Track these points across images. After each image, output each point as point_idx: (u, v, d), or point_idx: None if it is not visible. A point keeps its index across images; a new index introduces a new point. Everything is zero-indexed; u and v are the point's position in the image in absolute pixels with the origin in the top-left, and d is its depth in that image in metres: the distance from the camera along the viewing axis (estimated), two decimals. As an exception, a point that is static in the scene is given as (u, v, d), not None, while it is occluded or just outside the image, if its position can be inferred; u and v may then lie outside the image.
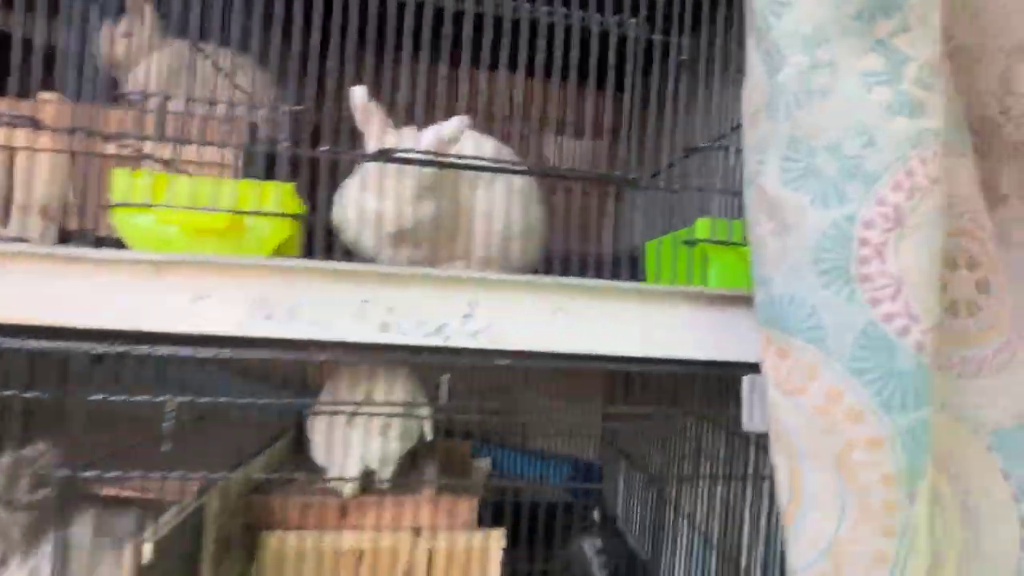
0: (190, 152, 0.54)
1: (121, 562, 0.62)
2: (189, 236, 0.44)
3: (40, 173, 0.57)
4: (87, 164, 0.44)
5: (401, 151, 0.48)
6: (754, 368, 0.50)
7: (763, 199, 0.43)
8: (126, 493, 0.78)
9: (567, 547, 1.24)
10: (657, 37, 0.54)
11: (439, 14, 0.50)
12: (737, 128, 0.53)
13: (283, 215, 0.46)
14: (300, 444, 1.01)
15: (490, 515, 0.98)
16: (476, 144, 0.59)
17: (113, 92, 0.81)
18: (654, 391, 0.97)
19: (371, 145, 0.50)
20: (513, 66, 0.51)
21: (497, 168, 0.56)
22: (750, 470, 0.62)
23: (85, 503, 0.72)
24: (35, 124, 0.44)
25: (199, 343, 0.45)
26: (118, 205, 0.43)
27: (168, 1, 0.48)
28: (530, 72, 0.53)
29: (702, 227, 0.51)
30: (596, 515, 1.29)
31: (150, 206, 0.43)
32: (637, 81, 0.57)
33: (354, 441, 0.86)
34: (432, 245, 0.55)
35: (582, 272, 0.51)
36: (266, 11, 0.48)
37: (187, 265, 0.44)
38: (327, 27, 0.47)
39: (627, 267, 0.59)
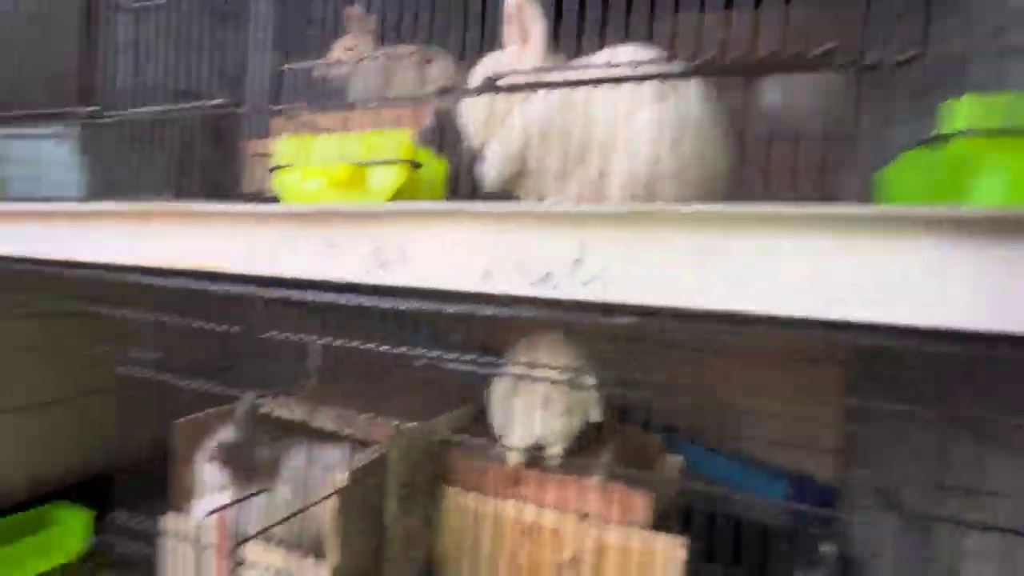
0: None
1: (327, 486, 0.72)
2: (325, 189, 0.47)
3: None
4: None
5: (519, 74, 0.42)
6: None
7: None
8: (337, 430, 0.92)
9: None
10: None
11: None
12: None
13: (397, 162, 0.45)
14: (484, 411, 1.05)
15: (678, 523, 0.85)
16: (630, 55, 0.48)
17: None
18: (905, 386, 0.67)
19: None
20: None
21: (624, 76, 0.44)
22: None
23: (301, 437, 0.88)
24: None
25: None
26: (273, 168, 0.49)
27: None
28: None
29: (964, 110, 0.30)
30: (830, 550, 1.00)
31: (290, 166, 0.47)
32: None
33: (519, 412, 0.85)
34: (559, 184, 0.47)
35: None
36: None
37: (317, 215, 0.47)
38: None
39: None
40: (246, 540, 0.53)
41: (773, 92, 0.81)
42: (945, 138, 0.31)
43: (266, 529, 0.59)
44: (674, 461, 1.05)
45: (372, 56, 0.92)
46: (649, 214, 0.37)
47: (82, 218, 0.58)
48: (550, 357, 0.83)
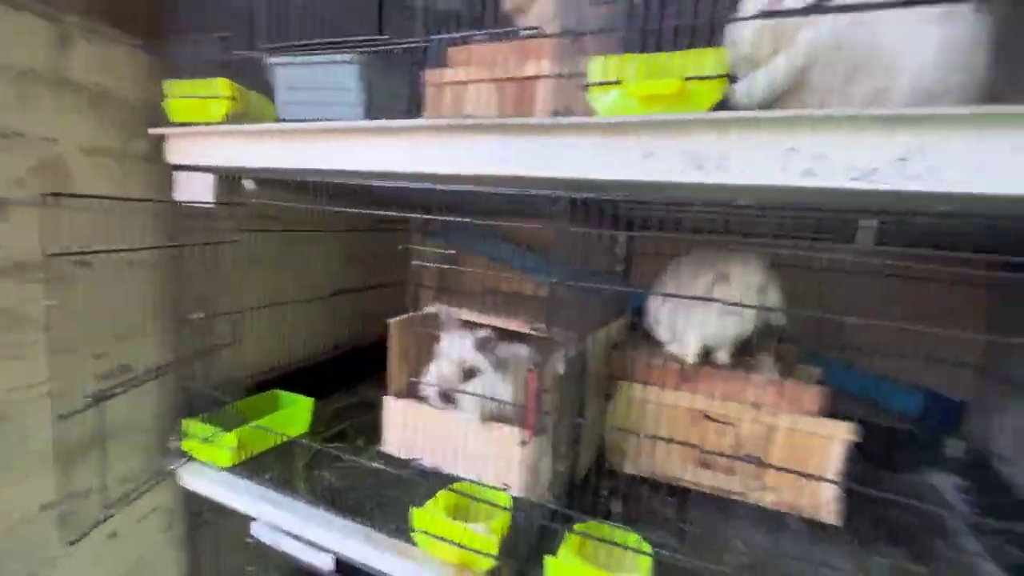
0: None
1: (545, 373, 0.85)
2: (645, 104, 0.56)
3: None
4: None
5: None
6: None
7: None
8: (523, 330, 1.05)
9: (912, 478, 1.12)
10: None
11: None
12: None
13: (718, 77, 0.53)
14: (635, 322, 1.18)
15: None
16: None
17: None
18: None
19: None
20: None
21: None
22: None
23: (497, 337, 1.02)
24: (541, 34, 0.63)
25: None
26: (591, 84, 0.58)
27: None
28: None
29: None
30: (960, 448, 1.11)
31: (616, 83, 0.56)
32: None
33: (695, 321, 0.96)
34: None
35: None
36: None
37: (639, 125, 0.56)
38: None
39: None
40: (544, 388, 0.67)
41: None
42: None
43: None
44: (813, 371, 1.17)
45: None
46: (969, 117, 0.45)
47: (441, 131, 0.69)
48: (741, 269, 0.92)
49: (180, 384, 0.98)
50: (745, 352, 1.06)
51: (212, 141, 0.84)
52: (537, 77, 0.69)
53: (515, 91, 0.70)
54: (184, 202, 0.89)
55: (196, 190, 0.89)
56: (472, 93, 0.76)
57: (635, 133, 0.56)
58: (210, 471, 0.94)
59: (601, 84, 0.58)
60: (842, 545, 0.87)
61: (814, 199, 0.53)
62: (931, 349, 1.14)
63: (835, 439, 0.89)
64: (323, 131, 0.74)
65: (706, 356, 1.02)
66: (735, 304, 0.79)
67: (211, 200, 0.87)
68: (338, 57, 0.74)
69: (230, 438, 0.92)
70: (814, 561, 0.82)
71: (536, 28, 0.66)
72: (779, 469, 0.86)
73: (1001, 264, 0.95)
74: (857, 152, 0.49)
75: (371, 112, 0.77)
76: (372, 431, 1.17)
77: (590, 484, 0.94)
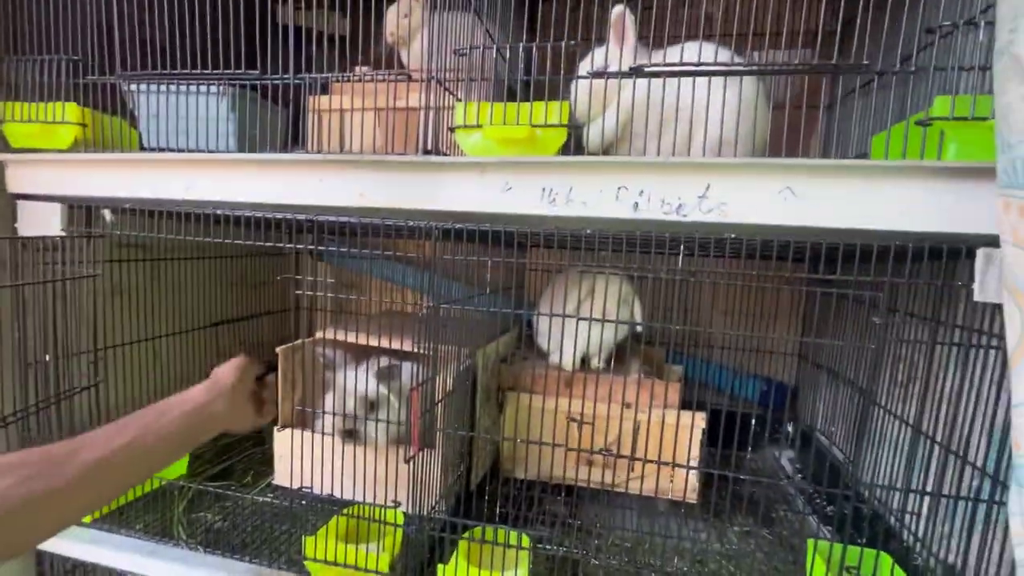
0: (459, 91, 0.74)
1: (435, 389, 0.89)
2: (502, 146, 0.64)
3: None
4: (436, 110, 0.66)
5: (654, 66, 0.60)
6: (987, 242, 0.53)
7: (1017, 66, 0.45)
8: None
9: (758, 454, 1.32)
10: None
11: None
12: (987, 9, 0.53)
13: (562, 125, 0.62)
14: (528, 333, 1.27)
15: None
16: (704, 53, 0.68)
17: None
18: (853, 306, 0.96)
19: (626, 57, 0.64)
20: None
21: (713, 72, 0.64)
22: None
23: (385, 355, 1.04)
24: (409, 77, 0.68)
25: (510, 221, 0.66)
26: (457, 127, 0.65)
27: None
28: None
29: (940, 104, 0.53)
30: (790, 428, 1.33)
31: (477, 126, 0.63)
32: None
33: (573, 334, 1.06)
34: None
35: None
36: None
37: (500, 165, 0.64)
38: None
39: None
40: (433, 406, 0.71)
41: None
42: (928, 121, 0.54)
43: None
44: (676, 369, 1.33)
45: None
46: (749, 165, 0.58)
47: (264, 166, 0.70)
48: (606, 287, 1.04)
49: (23, 436, 0.87)
50: (619, 357, 1.19)
51: (59, 170, 0.78)
52: (416, 109, 0.74)
53: (397, 120, 0.75)
54: (27, 237, 0.81)
55: (42, 222, 0.81)
56: (355, 120, 0.80)
57: (495, 172, 0.64)
58: (69, 531, 0.85)
59: (464, 127, 0.64)
60: (704, 520, 1.02)
61: (644, 229, 0.64)
62: (766, 343, 1.37)
63: (692, 427, 1.03)
64: (186, 162, 0.73)
65: (583, 364, 1.13)
66: (600, 320, 0.89)
67: (59, 232, 0.81)
68: (211, 88, 0.74)
69: (91, 490, 0.84)
70: (682, 537, 0.95)
71: (403, 72, 0.71)
72: (635, 459, 0.97)
73: (811, 276, 1.17)
74: (669, 190, 0.60)
75: (243, 142, 0.77)
76: (262, 465, 1.13)
77: (484, 492, 1.00)
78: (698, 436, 1.02)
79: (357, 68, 0.93)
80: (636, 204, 0.61)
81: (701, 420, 1.01)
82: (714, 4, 1.12)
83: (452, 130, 0.66)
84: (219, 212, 0.76)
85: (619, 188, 0.61)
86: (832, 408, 1.11)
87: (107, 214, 0.81)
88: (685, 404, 1.08)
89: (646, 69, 0.61)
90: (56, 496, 0.51)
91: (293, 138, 0.82)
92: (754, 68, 0.62)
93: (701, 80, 0.66)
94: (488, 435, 1.06)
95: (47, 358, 0.84)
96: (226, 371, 0.75)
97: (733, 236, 0.61)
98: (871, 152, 0.69)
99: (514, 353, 1.23)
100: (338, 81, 0.73)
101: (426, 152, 0.67)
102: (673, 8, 0.66)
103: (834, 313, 1.11)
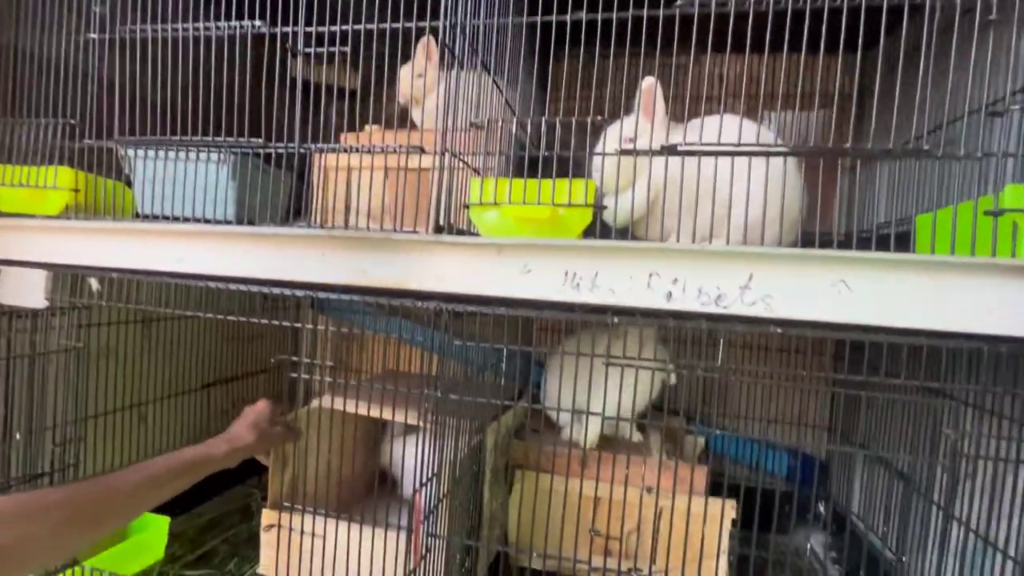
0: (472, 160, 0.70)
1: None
2: (520, 225, 0.58)
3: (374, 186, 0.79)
4: (449, 177, 0.61)
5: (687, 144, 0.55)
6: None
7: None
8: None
9: (788, 537, 1.21)
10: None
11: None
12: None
13: (587, 205, 0.57)
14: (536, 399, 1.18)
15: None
16: (732, 128, 0.63)
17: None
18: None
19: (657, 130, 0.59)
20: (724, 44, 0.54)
21: (752, 152, 0.59)
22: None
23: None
24: (422, 150, 0.64)
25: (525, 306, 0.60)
26: (472, 204, 0.60)
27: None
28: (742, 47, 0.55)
29: (1013, 194, 0.48)
30: (822, 508, 1.23)
31: (494, 204, 0.58)
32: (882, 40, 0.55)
33: (596, 401, 0.98)
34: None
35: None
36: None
37: (519, 247, 0.58)
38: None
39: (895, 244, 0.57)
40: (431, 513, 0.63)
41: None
42: (999, 212, 0.48)
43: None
44: (698, 440, 1.24)
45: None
46: (799, 256, 0.52)
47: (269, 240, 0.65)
48: (639, 345, 0.95)
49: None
50: (640, 427, 1.11)
51: (47, 236, 0.73)
52: (427, 170, 0.70)
53: (409, 182, 0.70)
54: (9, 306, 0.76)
55: (27, 289, 0.76)
56: (363, 180, 0.75)
57: (513, 254, 0.58)
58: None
59: (480, 205, 0.59)
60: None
61: (681, 322, 0.58)
62: (796, 414, 1.28)
63: (719, 518, 0.94)
64: (179, 233, 0.68)
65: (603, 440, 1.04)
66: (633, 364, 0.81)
67: (43, 301, 0.75)
68: (212, 155, 0.70)
69: (50, 590, 0.75)
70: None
71: (416, 146, 0.66)
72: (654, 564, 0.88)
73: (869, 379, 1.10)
74: (706, 279, 0.54)
75: (243, 211, 0.72)
76: (249, 546, 1.03)
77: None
78: (727, 526, 0.93)
79: (367, 127, 0.89)
80: (669, 293, 0.55)
81: (731, 510, 0.92)
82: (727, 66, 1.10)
83: (467, 207, 0.60)
84: (212, 286, 0.71)
85: (650, 275, 0.55)
86: (870, 494, 1.02)
87: (94, 283, 0.75)
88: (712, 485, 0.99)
89: (680, 148, 0.56)
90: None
91: (296, 207, 0.78)
92: (794, 149, 0.57)
93: (733, 161, 0.61)
94: (501, 529, 0.97)
95: (17, 437, 0.77)
96: (243, 428, 0.76)
97: (780, 331, 0.54)
98: (915, 231, 0.64)
99: (523, 425, 1.14)
100: (345, 152, 0.69)
101: (438, 229, 0.62)
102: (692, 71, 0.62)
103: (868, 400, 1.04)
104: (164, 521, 0.95)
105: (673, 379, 0.93)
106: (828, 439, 1.28)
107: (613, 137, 0.66)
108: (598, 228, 0.66)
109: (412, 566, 0.62)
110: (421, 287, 0.61)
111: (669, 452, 1.03)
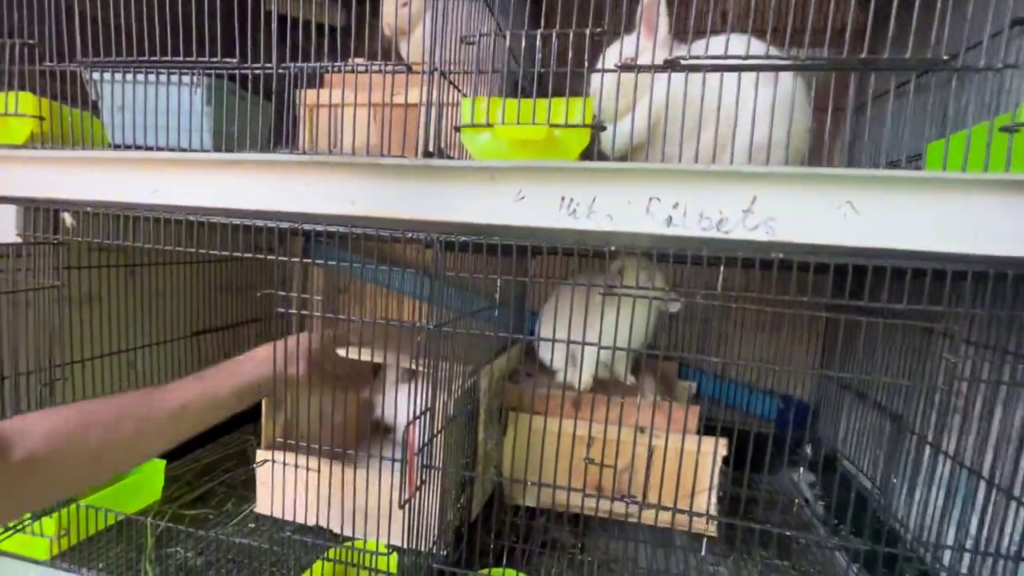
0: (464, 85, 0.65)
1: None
2: (515, 148, 0.55)
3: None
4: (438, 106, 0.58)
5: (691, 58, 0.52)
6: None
7: None
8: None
9: (774, 476, 1.24)
10: None
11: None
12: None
13: (585, 126, 0.54)
14: (530, 347, 1.18)
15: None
16: (740, 46, 0.59)
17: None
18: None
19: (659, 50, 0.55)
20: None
21: (758, 66, 0.56)
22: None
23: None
24: (409, 69, 0.60)
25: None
26: (463, 126, 0.56)
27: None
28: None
29: (1031, 108, 0.45)
30: (808, 450, 1.26)
31: (487, 125, 0.55)
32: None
33: (591, 342, 0.97)
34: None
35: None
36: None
37: (512, 170, 0.55)
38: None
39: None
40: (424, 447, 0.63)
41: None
42: (1015, 128, 0.46)
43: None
44: (689, 385, 1.26)
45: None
46: (803, 176, 0.50)
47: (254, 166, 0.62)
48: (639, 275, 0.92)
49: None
50: (634, 370, 1.11)
51: (13, 168, 0.69)
52: (415, 105, 0.66)
53: (395, 118, 0.66)
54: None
55: (-5, 225, 0.73)
56: (348, 117, 0.71)
57: (507, 178, 0.55)
58: (24, 568, 0.77)
59: (472, 126, 0.56)
60: (721, 554, 0.94)
61: (677, 246, 0.56)
62: (784, 359, 1.29)
63: (710, 455, 0.95)
64: (151, 161, 0.64)
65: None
66: (630, 293, 0.79)
67: (15, 239, 0.72)
68: (184, 78, 0.65)
69: (48, 524, 0.76)
70: (702, 572, 0.87)
71: (402, 64, 0.62)
72: (646, 500, 0.89)
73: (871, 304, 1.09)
74: (708, 203, 0.52)
75: (220, 141, 0.68)
76: (246, 487, 1.04)
77: (489, 523, 0.92)
78: (719, 464, 0.95)
79: (351, 60, 0.84)
80: (670, 218, 0.53)
81: (723, 448, 0.93)
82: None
83: (458, 129, 0.57)
84: (191, 219, 0.68)
85: (651, 199, 0.53)
86: (859, 434, 1.04)
87: (67, 218, 0.72)
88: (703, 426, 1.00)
89: (683, 62, 0.52)
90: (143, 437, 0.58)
91: (277, 136, 0.74)
92: (806, 62, 0.54)
93: (740, 77, 0.57)
94: (495, 469, 0.98)
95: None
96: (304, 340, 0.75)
97: (782, 255, 0.53)
98: (926, 161, 0.61)
99: (517, 370, 1.14)
100: (327, 72, 0.65)
101: (427, 155, 0.59)
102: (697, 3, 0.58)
103: (865, 332, 1.04)
104: (160, 464, 0.95)
105: (674, 307, 0.92)
106: (818, 387, 1.30)
107: (612, 57, 0.62)
108: (596, 151, 0.63)
109: (408, 496, 0.62)
110: (412, 216, 0.58)
111: (662, 394, 1.04)
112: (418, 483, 0.64)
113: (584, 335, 0.94)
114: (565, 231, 0.56)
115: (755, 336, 1.31)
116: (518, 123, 0.55)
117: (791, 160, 0.66)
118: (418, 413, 0.64)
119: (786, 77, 0.60)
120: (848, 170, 0.49)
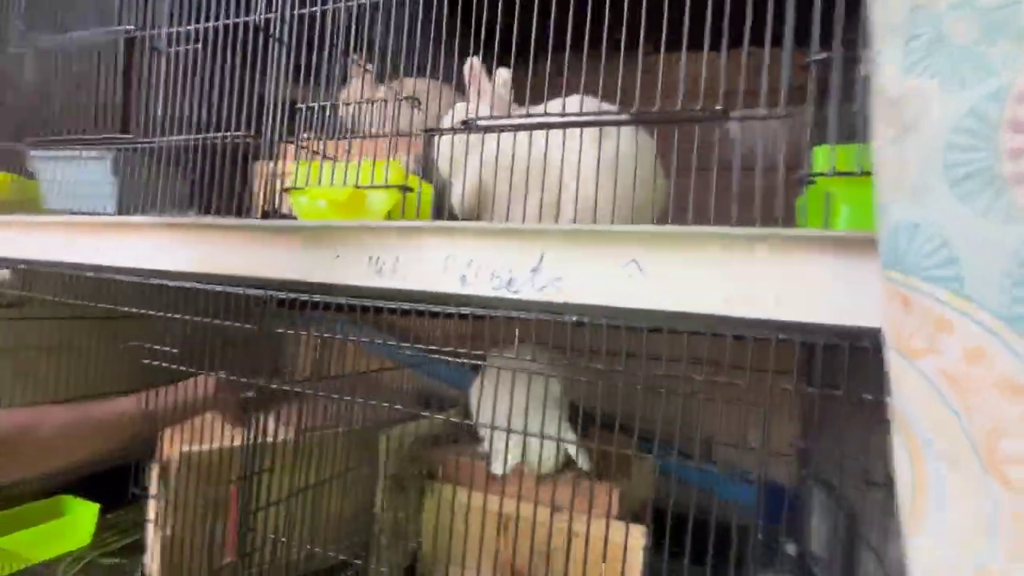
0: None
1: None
2: (332, 209, 0.57)
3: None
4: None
5: (484, 119, 0.52)
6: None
7: (883, 102, 0.33)
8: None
9: (748, 577, 1.06)
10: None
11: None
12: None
13: (388, 187, 0.54)
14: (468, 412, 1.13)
15: (650, 520, 0.91)
16: (572, 105, 0.58)
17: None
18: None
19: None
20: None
21: (567, 124, 0.54)
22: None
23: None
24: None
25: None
26: (290, 188, 0.59)
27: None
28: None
29: (820, 156, 0.40)
30: (791, 549, 1.07)
31: (301, 188, 0.57)
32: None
33: (514, 438, 0.90)
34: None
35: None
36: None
37: (324, 230, 0.56)
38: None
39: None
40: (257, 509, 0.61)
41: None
42: (809, 178, 0.41)
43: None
44: (648, 463, 1.13)
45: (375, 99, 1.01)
46: (588, 233, 0.46)
47: (117, 229, 0.68)
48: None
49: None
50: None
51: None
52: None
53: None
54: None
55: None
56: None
57: (320, 237, 0.56)
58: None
59: (293, 189, 0.58)
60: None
61: (479, 305, 0.53)
62: (762, 440, 1.14)
63: (631, 546, 0.84)
64: (63, 224, 0.72)
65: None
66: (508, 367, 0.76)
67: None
68: (93, 152, 0.74)
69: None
70: None
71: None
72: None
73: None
74: (499, 261, 0.49)
75: (124, 206, 0.76)
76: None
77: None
78: (637, 558, 0.83)
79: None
80: (464, 277, 0.51)
81: (639, 536, 0.82)
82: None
83: (286, 191, 0.60)
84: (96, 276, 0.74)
85: (447, 257, 0.51)
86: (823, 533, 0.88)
87: (2, 272, 0.81)
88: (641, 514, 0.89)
89: (479, 123, 0.52)
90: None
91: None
92: (603, 118, 0.52)
93: (567, 135, 0.56)
94: (417, 542, 0.92)
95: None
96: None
97: (574, 319, 0.48)
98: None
99: (447, 434, 1.09)
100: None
101: (264, 215, 0.61)
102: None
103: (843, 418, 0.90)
104: (93, 508, 0.98)
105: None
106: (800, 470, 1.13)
107: (459, 115, 0.63)
108: (446, 210, 0.63)
109: (228, 558, 0.60)
110: (243, 273, 0.60)
111: (588, 472, 0.94)
112: (247, 550, 0.61)
113: (493, 416, 0.89)
114: (373, 289, 0.55)
115: (723, 409, 1.18)
116: (332, 186, 0.57)
117: (657, 218, 0.61)
118: (248, 471, 0.62)
119: (627, 134, 0.58)
120: (632, 227, 0.45)
